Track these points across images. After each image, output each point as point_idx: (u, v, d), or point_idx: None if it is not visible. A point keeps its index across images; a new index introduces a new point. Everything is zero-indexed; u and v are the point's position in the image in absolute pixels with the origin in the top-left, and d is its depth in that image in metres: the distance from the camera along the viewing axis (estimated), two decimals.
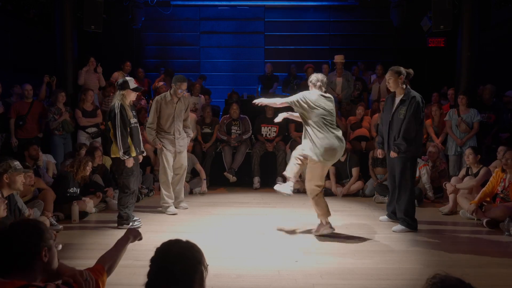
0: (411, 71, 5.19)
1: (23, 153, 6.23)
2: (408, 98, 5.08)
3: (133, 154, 5.30)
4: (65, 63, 8.19)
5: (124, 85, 5.25)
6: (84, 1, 8.10)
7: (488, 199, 5.75)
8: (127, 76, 9.12)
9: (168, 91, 6.11)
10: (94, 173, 6.54)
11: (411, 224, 5.20)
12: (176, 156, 6.15)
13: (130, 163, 5.20)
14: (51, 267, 1.97)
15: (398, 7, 9.82)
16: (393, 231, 5.19)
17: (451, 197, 6.16)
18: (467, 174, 6.34)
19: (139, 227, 5.09)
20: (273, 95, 9.74)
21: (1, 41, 8.76)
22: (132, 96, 5.33)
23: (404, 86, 5.15)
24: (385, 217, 5.68)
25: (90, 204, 5.88)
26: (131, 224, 5.22)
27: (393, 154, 5.18)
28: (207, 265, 1.81)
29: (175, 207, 6.12)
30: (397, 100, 5.19)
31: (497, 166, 5.85)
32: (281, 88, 10.39)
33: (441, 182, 6.77)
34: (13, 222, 1.99)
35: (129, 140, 5.23)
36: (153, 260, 1.74)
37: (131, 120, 5.27)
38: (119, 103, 5.19)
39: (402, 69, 5.16)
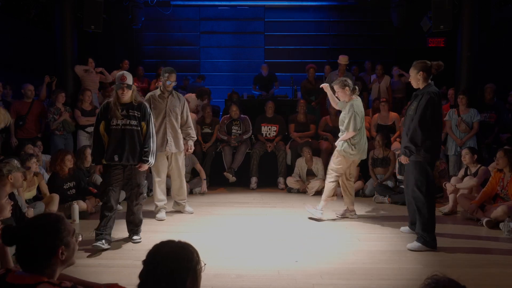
0: (439, 64, 4.65)
1: (20, 153, 6.22)
2: (421, 92, 4.56)
3: (104, 161, 4.61)
4: (65, 63, 8.19)
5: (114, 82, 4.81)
6: (84, 1, 8.10)
7: (488, 199, 5.76)
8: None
9: (159, 87, 5.84)
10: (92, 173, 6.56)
11: (428, 242, 4.52)
12: (169, 158, 5.79)
13: (96, 170, 4.82)
14: (69, 263, 2.01)
15: (398, 7, 9.82)
16: (408, 249, 4.55)
17: (451, 197, 6.17)
18: (466, 174, 6.34)
19: (103, 248, 4.47)
20: (273, 95, 9.75)
21: (1, 41, 8.76)
22: (119, 93, 4.63)
23: (425, 82, 4.61)
24: (406, 227, 5.15)
25: (80, 204, 5.83)
26: (96, 243, 4.48)
27: (402, 159, 4.65)
28: (205, 264, 1.80)
29: (181, 212, 6.01)
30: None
31: (496, 166, 5.87)
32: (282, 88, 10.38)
33: (441, 182, 6.77)
34: (31, 219, 2.00)
35: (105, 143, 4.61)
36: (144, 262, 1.75)
37: (112, 120, 4.58)
38: (105, 102, 4.79)
39: (424, 64, 4.61)
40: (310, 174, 7.59)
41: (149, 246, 1.81)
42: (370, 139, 8.01)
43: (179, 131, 5.82)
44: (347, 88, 5.59)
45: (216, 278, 3.70)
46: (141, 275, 1.75)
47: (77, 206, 5.63)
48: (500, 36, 10.00)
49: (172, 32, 12.25)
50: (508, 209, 5.27)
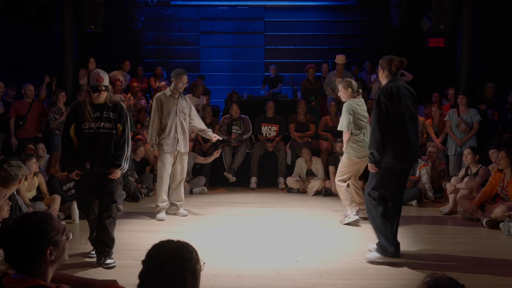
0: (401, 60, 4.11)
1: (21, 153, 6.21)
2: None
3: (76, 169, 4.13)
4: (65, 63, 8.18)
5: None
6: (84, 1, 8.10)
7: (488, 200, 5.76)
8: (126, 74, 9.15)
9: (168, 88, 5.94)
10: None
11: (384, 250, 4.13)
12: (176, 159, 5.83)
13: (73, 176, 4.22)
14: (60, 261, 1.93)
15: (398, 7, 9.81)
16: (367, 261, 4.17)
17: (451, 197, 6.17)
18: (466, 174, 6.34)
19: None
20: (274, 94, 9.76)
21: (1, 41, 8.76)
22: (94, 96, 4.12)
23: (387, 80, 4.21)
24: (374, 245, 4.32)
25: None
26: (92, 253, 4.31)
27: (369, 167, 4.24)
28: (203, 263, 1.81)
29: (174, 214, 5.94)
30: None
31: (495, 167, 5.87)
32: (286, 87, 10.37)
33: (441, 182, 6.78)
34: (14, 221, 1.90)
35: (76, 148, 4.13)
36: (144, 262, 1.76)
37: (84, 124, 4.07)
38: (75, 102, 4.35)
39: (386, 61, 4.18)
40: (310, 174, 7.59)
41: (149, 246, 1.81)
42: None
43: (187, 131, 5.89)
44: (349, 89, 5.53)
45: (216, 278, 3.70)
46: (141, 275, 1.76)
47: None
48: (500, 36, 10.00)
49: (172, 32, 12.25)
50: (508, 209, 5.27)
